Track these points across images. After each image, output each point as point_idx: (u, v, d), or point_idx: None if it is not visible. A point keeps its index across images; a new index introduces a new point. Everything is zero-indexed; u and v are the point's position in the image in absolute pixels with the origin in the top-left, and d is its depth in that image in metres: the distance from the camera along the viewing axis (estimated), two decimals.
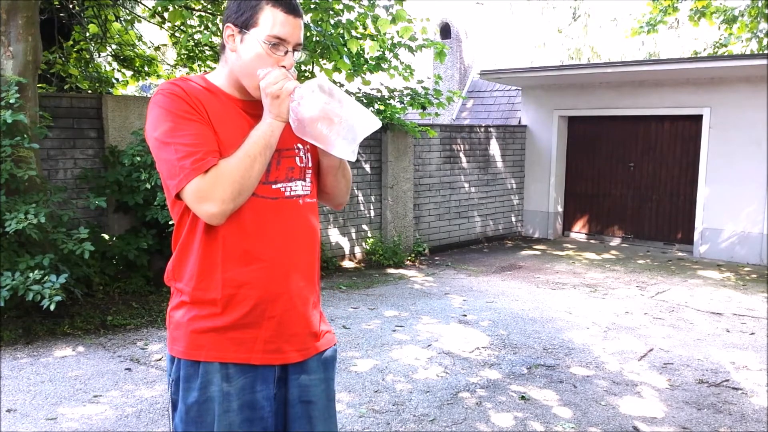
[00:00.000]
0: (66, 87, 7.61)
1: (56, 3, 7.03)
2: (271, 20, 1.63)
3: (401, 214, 8.44)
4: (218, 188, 1.56)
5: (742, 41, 12.82)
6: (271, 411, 1.75)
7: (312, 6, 7.01)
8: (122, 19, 8.45)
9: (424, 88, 8.52)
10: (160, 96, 1.64)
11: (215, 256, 1.67)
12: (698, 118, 8.94)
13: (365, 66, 8.00)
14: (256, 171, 1.61)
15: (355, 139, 1.64)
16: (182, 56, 8.61)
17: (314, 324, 1.81)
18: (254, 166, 1.60)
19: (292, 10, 1.65)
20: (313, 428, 1.80)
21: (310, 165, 1.81)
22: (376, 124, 1.65)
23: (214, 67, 9.22)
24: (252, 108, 1.72)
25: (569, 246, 9.68)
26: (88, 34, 7.83)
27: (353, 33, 7.33)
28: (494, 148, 9.90)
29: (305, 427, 1.80)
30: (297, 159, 1.77)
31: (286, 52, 1.66)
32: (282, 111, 1.65)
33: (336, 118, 1.63)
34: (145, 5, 8.08)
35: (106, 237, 5.76)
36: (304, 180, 1.78)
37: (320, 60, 7.76)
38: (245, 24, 1.64)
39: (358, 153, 8.00)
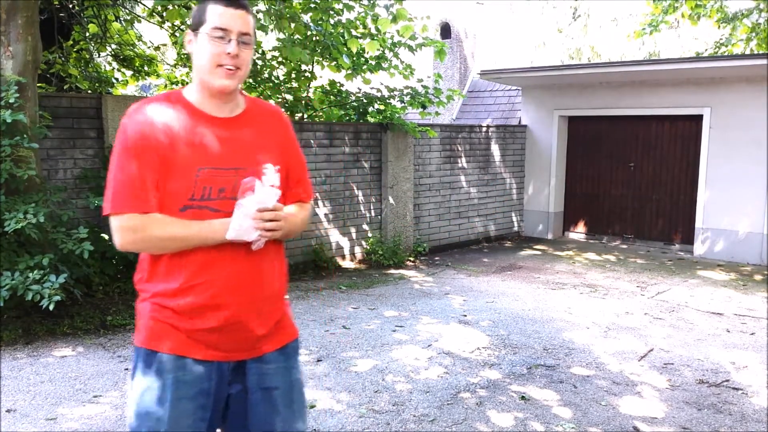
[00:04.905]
0: (66, 87, 7.60)
1: (56, 3, 7.03)
2: (213, 14, 1.77)
3: (401, 214, 8.44)
4: (141, 237, 1.76)
5: (743, 41, 12.82)
6: (223, 398, 1.85)
7: (312, 6, 7.01)
8: (122, 19, 8.44)
9: (424, 87, 8.52)
10: (124, 129, 1.78)
11: (176, 262, 1.79)
12: (698, 118, 8.94)
13: (365, 65, 8.00)
14: (175, 249, 1.78)
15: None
16: (182, 56, 8.61)
17: (270, 325, 1.89)
18: (176, 247, 1.77)
19: (232, 3, 1.78)
20: (275, 413, 1.88)
21: (279, 185, 1.90)
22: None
23: None
24: (225, 123, 1.84)
25: (569, 246, 9.67)
26: (87, 34, 7.83)
27: (353, 32, 7.33)
28: (494, 148, 9.90)
29: (267, 412, 1.87)
30: (264, 179, 1.86)
31: (230, 41, 1.77)
32: (244, 238, 1.77)
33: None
34: (144, 5, 8.08)
35: (106, 237, 5.75)
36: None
37: (321, 60, 7.77)
38: (196, 26, 1.80)
39: (359, 152, 8.02)
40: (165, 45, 9.19)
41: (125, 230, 1.75)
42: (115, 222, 1.75)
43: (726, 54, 12.94)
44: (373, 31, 7.50)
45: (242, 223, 1.75)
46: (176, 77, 9.25)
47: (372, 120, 8.40)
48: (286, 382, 1.91)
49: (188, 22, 1.84)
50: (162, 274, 1.81)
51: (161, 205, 1.77)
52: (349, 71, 7.78)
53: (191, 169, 1.76)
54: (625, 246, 9.70)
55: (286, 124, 1.98)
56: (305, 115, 8.57)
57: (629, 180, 9.80)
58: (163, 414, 1.77)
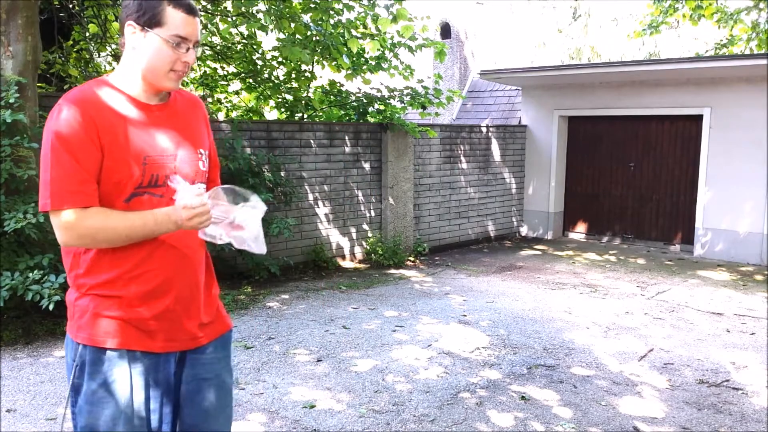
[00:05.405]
0: (66, 87, 7.60)
1: (56, 3, 7.03)
2: (173, 20, 1.75)
3: (401, 214, 8.44)
4: (86, 233, 1.70)
5: (743, 41, 12.81)
6: (172, 387, 1.89)
7: (312, 6, 7.01)
8: None
9: (424, 87, 8.52)
10: (60, 120, 1.69)
11: (119, 253, 1.77)
12: (698, 118, 8.94)
13: (365, 65, 8.00)
14: (121, 242, 1.74)
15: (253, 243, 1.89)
16: None
17: (209, 314, 1.95)
18: (121, 240, 1.73)
19: (191, 11, 1.78)
20: (205, 400, 1.92)
21: (207, 169, 1.97)
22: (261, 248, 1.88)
23: (215, 68, 9.07)
24: (159, 111, 1.84)
25: (569, 246, 9.67)
26: (87, 34, 7.83)
27: (353, 32, 7.33)
28: (494, 148, 9.90)
29: (199, 401, 1.92)
30: (200, 163, 1.91)
31: (188, 49, 1.79)
32: (192, 228, 1.78)
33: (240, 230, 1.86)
34: None
35: None
36: (205, 183, 1.93)
37: (321, 60, 7.76)
38: (148, 23, 1.75)
39: (359, 152, 8.02)
40: None
41: (68, 226, 1.69)
42: (56, 219, 1.69)
43: (726, 54, 12.93)
44: (374, 31, 7.49)
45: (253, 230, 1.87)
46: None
47: (372, 120, 8.40)
48: (223, 371, 1.98)
49: (129, 14, 1.76)
50: (104, 266, 1.77)
51: (106, 197, 1.74)
52: (349, 71, 7.77)
53: (138, 157, 1.75)
54: (625, 246, 9.70)
55: (205, 111, 2.05)
56: (305, 115, 8.57)
57: (629, 180, 9.80)
58: (124, 410, 1.76)
